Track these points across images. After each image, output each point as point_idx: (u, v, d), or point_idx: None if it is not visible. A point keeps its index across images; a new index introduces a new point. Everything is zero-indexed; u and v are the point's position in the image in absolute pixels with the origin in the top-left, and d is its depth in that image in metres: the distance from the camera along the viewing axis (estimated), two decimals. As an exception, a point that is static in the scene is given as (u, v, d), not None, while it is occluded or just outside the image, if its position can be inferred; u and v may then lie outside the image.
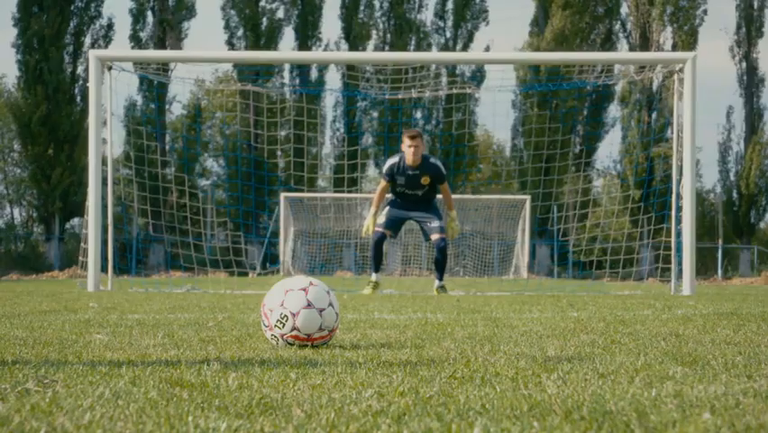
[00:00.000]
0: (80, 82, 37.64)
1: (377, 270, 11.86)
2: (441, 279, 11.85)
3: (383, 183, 11.74)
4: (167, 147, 40.56)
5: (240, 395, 2.53)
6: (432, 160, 11.61)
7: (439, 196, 12.16)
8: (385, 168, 11.69)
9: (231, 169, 40.48)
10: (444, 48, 42.28)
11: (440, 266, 11.80)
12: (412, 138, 11.45)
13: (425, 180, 11.46)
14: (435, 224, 11.57)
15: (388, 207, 11.80)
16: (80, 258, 13.81)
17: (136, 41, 40.19)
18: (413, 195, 11.60)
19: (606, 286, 17.68)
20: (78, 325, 5.37)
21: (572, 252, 33.42)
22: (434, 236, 11.55)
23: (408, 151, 11.39)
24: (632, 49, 40.91)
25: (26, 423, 2.08)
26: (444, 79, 38.37)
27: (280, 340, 3.97)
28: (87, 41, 38.24)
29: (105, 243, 13.30)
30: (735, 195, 42.24)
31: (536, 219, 33.23)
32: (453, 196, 13.61)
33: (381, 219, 11.74)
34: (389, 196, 11.94)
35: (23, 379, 2.85)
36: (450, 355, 3.63)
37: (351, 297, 10.35)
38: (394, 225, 11.77)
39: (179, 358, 3.50)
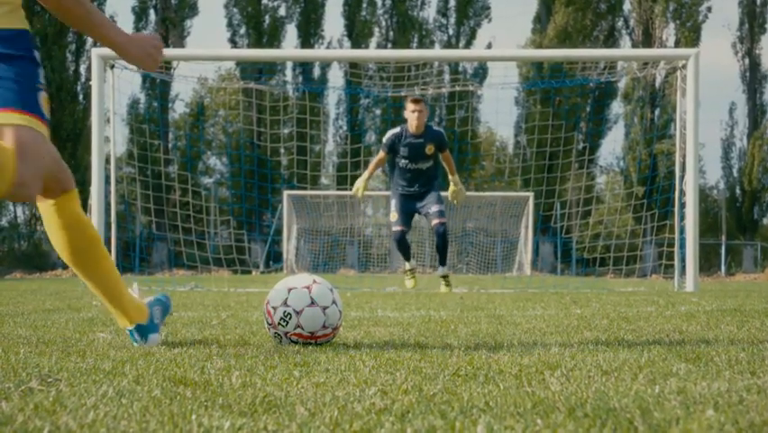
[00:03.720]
0: (83, 81, 37.68)
1: (408, 258, 11.72)
2: (444, 264, 11.50)
3: (381, 154, 11.36)
4: (170, 145, 40.58)
5: (243, 393, 2.54)
6: (435, 127, 11.32)
7: (446, 191, 11.93)
8: (386, 138, 11.29)
9: (234, 167, 40.50)
10: (447, 45, 42.29)
11: (441, 251, 11.44)
12: (415, 102, 11.09)
13: (430, 149, 11.12)
14: (435, 208, 11.26)
15: (394, 201, 11.52)
16: (84, 256, 13.81)
17: (139, 39, 40.16)
18: (416, 170, 11.23)
19: (609, 283, 17.68)
20: (82, 323, 5.37)
21: (576, 249, 33.41)
22: (434, 222, 11.24)
23: (412, 116, 11.03)
24: (635, 45, 40.90)
25: (30, 422, 2.08)
26: (447, 77, 38.38)
27: (284, 338, 3.97)
28: (90, 39, 38.23)
29: (108, 241, 13.30)
30: (738, 191, 42.24)
31: (539, 216, 33.20)
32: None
33: (395, 217, 11.50)
34: (390, 181, 11.71)
35: (27, 378, 2.85)
36: (453, 353, 3.63)
37: (354, 295, 10.36)
38: (407, 220, 11.55)
39: (183, 356, 3.50)
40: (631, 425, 2.05)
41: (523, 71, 38.58)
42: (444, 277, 11.53)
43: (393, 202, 11.54)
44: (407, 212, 11.51)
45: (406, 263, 11.77)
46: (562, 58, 16.44)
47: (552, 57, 18.81)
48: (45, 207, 3.66)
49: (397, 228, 11.53)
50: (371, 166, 11.55)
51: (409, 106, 11.17)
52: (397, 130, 11.27)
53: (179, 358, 3.44)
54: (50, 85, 36.39)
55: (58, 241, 3.70)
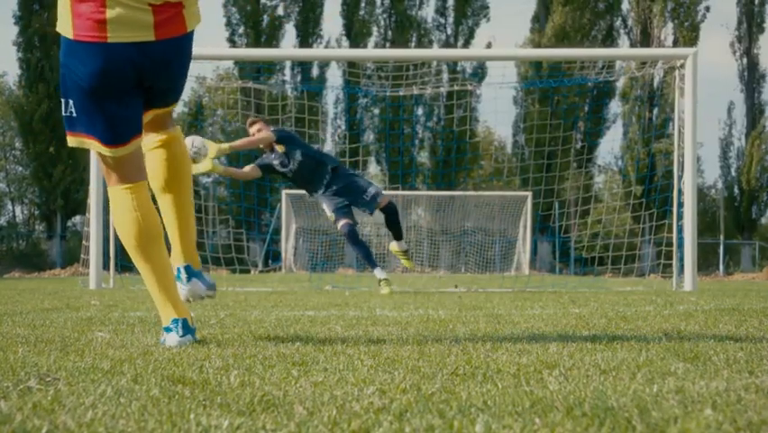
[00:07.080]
0: (82, 80, 37.60)
1: (374, 264, 10.73)
2: (401, 237, 10.95)
3: (252, 167, 10.93)
4: (168, 144, 40.48)
5: (242, 393, 2.54)
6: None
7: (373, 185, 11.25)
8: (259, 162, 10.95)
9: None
10: (445, 44, 42.26)
11: (395, 226, 10.83)
12: (252, 124, 10.79)
13: (281, 148, 10.67)
14: (372, 191, 10.68)
15: (324, 204, 10.86)
16: (82, 256, 13.83)
17: (137, 38, 40.13)
18: (309, 174, 10.75)
19: (607, 282, 17.69)
20: (80, 322, 5.37)
21: (574, 248, 33.43)
22: (381, 203, 10.66)
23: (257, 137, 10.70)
24: (633, 45, 40.91)
25: (28, 421, 2.08)
26: (445, 76, 38.35)
27: None
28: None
29: (106, 240, 13.30)
30: (736, 190, 42.22)
31: (538, 216, 33.23)
32: (455, 192, 13.29)
33: (332, 217, 10.80)
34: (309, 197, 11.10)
35: (25, 377, 2.85)
36: (451, 352, 3.63)
37: (352, 294, 10.35)
38: (348, 212, 10.75)
39: (181, 356, 3.50)
40: (629, 424, 2.05)
41: (521, 71, 38.58)
42: (404, 252, 11.02)
43: (324, 206, 10.92)
44: (342, 206, 10.81)
45: (376, 270, 10.69)
46: (560, 57, 16.44)
47: (550, 56, 18.81)
48: (121, 192, 4.03)
49: (341, 222, 10.75)
50: (244, 171, 11.01)
51: (249, 130, 10.83)
52: (263, 156, 10.98)
53: (178, 357, 3.44)
54: (49, 84, 36.39)
55: (131, 225, 3.99)
